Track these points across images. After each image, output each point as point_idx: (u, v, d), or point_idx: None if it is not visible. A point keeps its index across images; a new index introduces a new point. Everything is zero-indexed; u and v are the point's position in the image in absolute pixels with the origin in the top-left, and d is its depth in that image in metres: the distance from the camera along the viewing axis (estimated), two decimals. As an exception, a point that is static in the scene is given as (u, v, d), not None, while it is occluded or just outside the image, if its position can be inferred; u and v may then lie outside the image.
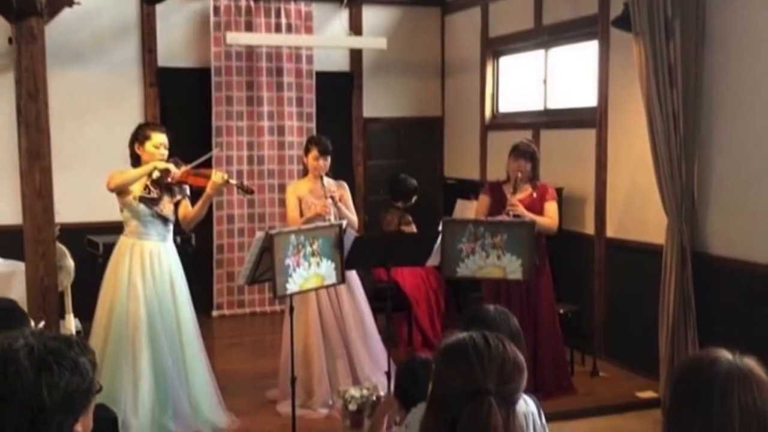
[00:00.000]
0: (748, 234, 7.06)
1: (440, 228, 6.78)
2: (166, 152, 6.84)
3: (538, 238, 7.19)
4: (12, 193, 7.70)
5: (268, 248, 6.02)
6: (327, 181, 7.38)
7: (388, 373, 6.63)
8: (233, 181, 7.00)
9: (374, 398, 6.50)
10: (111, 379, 6.50)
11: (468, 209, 9.38)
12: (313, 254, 6.30)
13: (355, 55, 11.45)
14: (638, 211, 8.24)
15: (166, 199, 6.84)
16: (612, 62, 8.54)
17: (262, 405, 7.48)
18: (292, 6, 10.74)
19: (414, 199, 9.57)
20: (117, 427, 5.90)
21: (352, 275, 7.49)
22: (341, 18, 11.21)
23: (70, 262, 7.75)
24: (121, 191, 6.75)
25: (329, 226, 6.61)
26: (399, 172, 10.03)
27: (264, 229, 7.05)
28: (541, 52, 9.98)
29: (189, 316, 6.93)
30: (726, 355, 2.39)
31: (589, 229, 8.97)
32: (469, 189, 10.07)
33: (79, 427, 2.34)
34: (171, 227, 6.94)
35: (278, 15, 10.68)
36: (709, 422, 2.29)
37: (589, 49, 9.08)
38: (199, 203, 6.83)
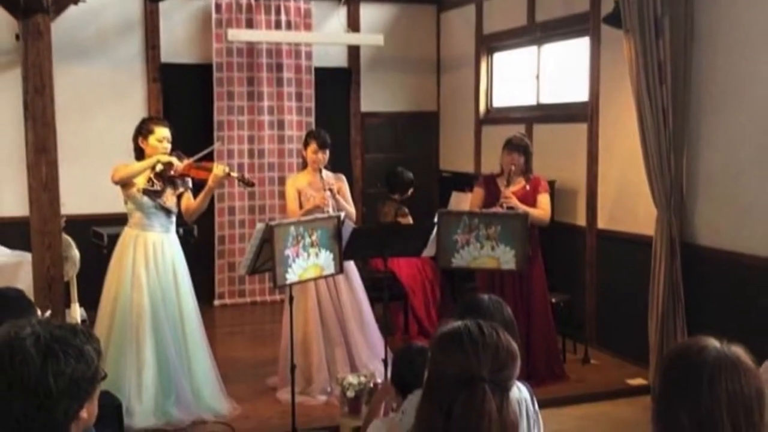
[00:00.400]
0: (735, 225, 7.07)
1: (436, 220, 6.78)
2: (168, 146, 6.84)
3: (531, 229, 7.19)
4: (19, 186, 7.69)
5: (268, 239, 6.02)
6: (326, 173, 7.38)
7: (385, 361, 6.63)
8: (234, 174, 7.00)
9: (371, 385, 6.50)
10: (115, 366, 6.51)
11: (463, 201, 9.38)
12: (312, 245, 6.31)
13: (353, 51, 11.45)
14: (628, 203, 8.24)
15: (169, 191, 6.84)
16: (603, 58, 8.53)
17: (263, 392, 7.49)
18: (292, 3, 10.73)
19: (410, 191, 9.57)
20: (121, 413, 5.90)
21: (350, 265, 7.49)
22: (339, 15, 11.20)
23: (76, 253, 7.76)
24: (125, 184, 6.75)
25: (328, 217, 6.61)
26: (396, 165, 10.02)
27: (264, 221, 7.04)
28: (534, 48, 9.98)
29: (191, 305, 6.93)
30: (714, 343, 2.39)
31: (581, 220, 8.97)
32: (463, 182, 10.07)
33: (84, 413, 2.34)
34: (174, 219, 6.95)
35: (278, 12, 10.68)
36: (697, 408, 2.30)
37: (581, 45, 9.07)
38: (201, 195, 6.83)
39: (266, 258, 6.15)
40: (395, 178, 9.57)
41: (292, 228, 6.17)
